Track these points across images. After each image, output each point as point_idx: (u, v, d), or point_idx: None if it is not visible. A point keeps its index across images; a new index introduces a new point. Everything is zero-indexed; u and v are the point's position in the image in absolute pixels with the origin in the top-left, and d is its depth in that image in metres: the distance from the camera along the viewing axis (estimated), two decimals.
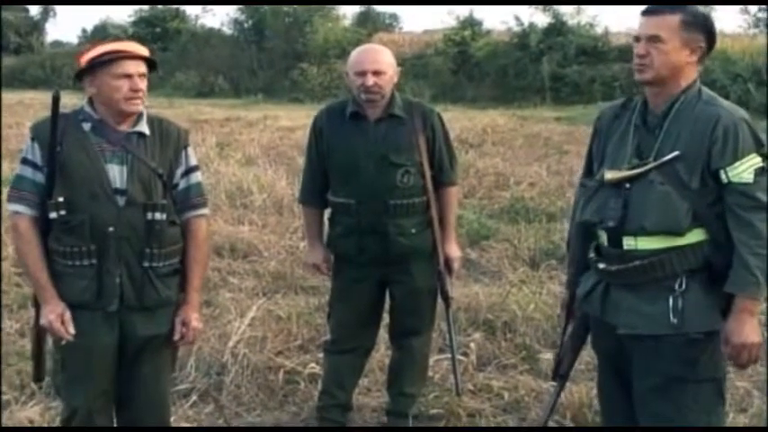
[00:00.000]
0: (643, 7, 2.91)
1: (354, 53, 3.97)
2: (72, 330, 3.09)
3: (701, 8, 2.96)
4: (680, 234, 2.79)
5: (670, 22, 2.83)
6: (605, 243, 2.95)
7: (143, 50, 3.18)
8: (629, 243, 2.87)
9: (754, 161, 2.76)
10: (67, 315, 3.09)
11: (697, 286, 2.81)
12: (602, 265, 2.95)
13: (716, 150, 2.76)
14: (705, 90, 2.90)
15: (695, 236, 2.81)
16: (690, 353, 2.81)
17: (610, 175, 2.90)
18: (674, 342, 2.81)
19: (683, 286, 2.81)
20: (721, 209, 2.79)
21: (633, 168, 2.86)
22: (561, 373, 3.27)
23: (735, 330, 2.77)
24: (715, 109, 2.81)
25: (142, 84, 3.12)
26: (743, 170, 2.75)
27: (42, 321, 3.13)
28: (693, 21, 2.84)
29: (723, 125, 2.76)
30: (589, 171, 3.11)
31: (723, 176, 2.76)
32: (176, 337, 3.29)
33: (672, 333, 2.80)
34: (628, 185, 2.86)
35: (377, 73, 3.81)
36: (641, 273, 2.85)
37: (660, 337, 2.82)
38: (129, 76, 3.09)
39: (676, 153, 2.79)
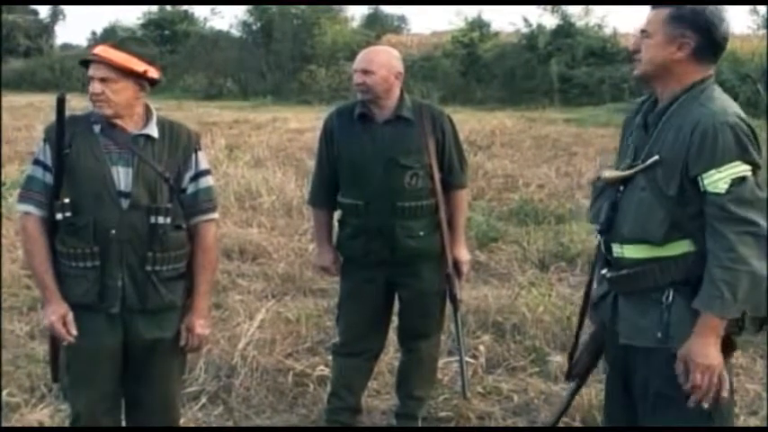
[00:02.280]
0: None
1: (360, 53, 4.05)
2: (74, 332, 3.10)
3: (711, 7, 2.71)
4: (658, 244, 2.64)
5: (658, 15, 2.71)
6: (602, 248, 2.86)
7: (109, 54, 3.12)
8: (616, 250, 2.77)
9: (735, 170, 2.56)
10: (70, 317, 3.10)
11: (682, 300, 2.64)
12: (603, 271, 2.87)
13: (692, 156, 2.58)
14: (708, 91, 2.70)
15: (679, 247, 2.65)
16: (674, 369, 2.64)
17: (607, 174, 2.82)
18: (661, 357, 2.67)
19: (670, 299, 2.65)
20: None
21: (627, 170, 2.74)
22: (575, 374, 3.15)
23: (696, 351, 2.57)
24: (700, 111, 2.62)
25: (102, 87, 3.09)
26: (718, 179, 2.55)
27: (45, 322, 3.14)
28: (680, 15, 2.67)
29: (701, 129, 2.58)
30: None
31: (700, 185, 2.58)
32: (182, 342, 3.29)
33: (659, 347, 2.67)
34: (621, 188, 2.76)
35: (366, 72, 3.87)
36: (628, 282, 2.74)
37: (651, 350, 2.70)
38: (92, 79, 3.12)
39: (656, 158, 2.64)
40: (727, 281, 2.52)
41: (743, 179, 2.56)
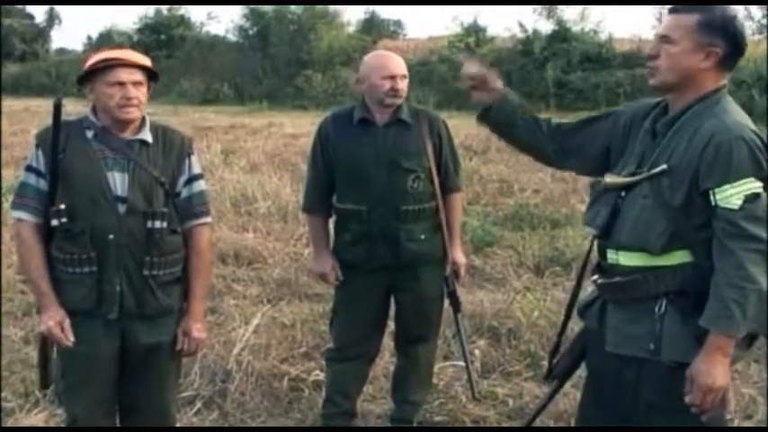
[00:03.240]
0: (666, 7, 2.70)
1: (377, 58, 3.99)
2: (71, 338, 3.10)
3: (732, 8, 2.64)
4: (656, 254, 2.58)
5: (685, 21, 2.58)
6: (596, 253, 2.80)
7: (139, 58, 3.16)
8: (611, 256, 2.72)
9: (749, 186, 2.49)
10: (67, 322, 3.10)
11: (676, 312, 2.59)
12: (595, 276, 2.82)
13: (704, 169, 2.51)
14: (722, 102, 2.62)
15: (677, 258, 2.59)
16: (670, 382, 2.58)
17: (609, 179, 2.75)
18: (653, 368, 2.62)
19: (663, 310, 2.59)
20: (710, 233, 2.54)
21: (630, 176, 2.69)
22: (555, 375, 3.11)
23: (703, 371, 2.49)
24: (713, 123, 2.54)
25: (137, 92, 3.10)
26: (731, 195, 2.49)
27: (41, 328, 3.13)
28: (711, 22, 2.56)
29: (715, 143, 2.50)
30: (568, 127, 2.91)
31: (711, 199, 2.51)
32: (179, 347, 3.29)
33: (651, 358, 2.62)
34: (623, 194, 2.70)
35: (404, 77, 3.89)
36: (621, 290, 2.68)
37: (642, 360, 2.65)
38: (121, 84, 3.08)
39: (663, 167, 2.58)
40: (737, 300, 2.46)
41: (756, 196, 2.50)
